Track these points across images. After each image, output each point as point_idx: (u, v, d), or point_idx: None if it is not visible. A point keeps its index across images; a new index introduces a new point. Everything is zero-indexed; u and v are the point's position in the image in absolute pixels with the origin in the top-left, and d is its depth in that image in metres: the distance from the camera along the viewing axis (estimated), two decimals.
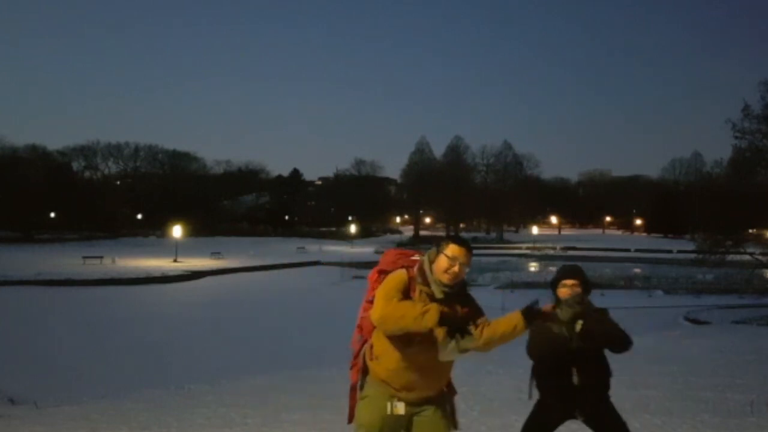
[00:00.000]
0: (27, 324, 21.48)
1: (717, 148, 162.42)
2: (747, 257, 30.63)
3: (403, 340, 2.73)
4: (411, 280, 2.81)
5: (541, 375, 3.27)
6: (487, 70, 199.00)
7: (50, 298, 28.53)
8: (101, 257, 44.76)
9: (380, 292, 2.77)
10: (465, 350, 2.73)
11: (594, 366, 3.17)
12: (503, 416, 5.96)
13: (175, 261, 46.24)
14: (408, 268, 2.87)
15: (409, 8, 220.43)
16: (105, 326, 21.45)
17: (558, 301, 3.24)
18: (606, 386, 3.21)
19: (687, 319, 24.61)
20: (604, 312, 3.21)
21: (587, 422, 3.21)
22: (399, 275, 2.82)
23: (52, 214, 69.26)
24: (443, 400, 2.89)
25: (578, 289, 3.21)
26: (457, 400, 3.02)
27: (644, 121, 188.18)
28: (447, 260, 2.75)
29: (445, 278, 2.75)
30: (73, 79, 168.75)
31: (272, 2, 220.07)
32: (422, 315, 2.63)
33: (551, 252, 70.13)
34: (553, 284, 3.32)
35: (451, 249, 2.78)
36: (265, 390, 8.26)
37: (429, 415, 2.83)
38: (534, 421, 3.31)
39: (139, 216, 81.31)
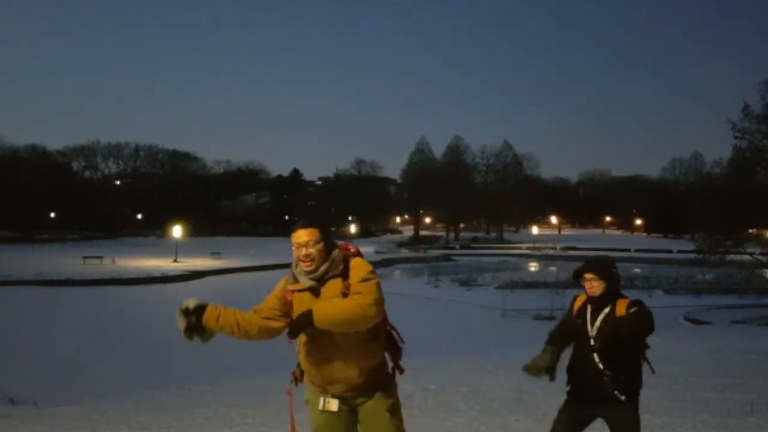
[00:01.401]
0: (27, 324, 21.47)
1: (717, 148, 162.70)
2: (747, 257, 30.63)
3: (299, 337, 2.79)
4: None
5: (568, 367, 3.28)
6: (487, 70, 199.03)
7: (50, 298, 28.52)
8: (101, 257, 44.75)
9: None
10: None
11: (620, 358, 3.12)
12: (503, 416, 5.96)
13: (175, 261, 46.24)
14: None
15: (409, 8, 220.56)
16: (105, 326, 21.45)
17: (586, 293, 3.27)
18: (633, 382, 3.15)
19: (687, 319, 24.62)
20: (627, 314, 3.10)
21: (605, 417, 3.19)
22: (281, 282, 2.89)
23: (52, 214, 69.23)
24: (382, 388, 2.84)
25: (597, 284, 3.18)
26: (402, 387, 2.98)
27: (644, 121, 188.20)
28: (294, 249, 2.78)
29: (303, 266, 2.76)
30: (73, 78, 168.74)
31: (272, 2, 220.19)
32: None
33: (551, 252, 70.12)
34: (576, 278, 3.30)
35: (292, 238, 2.79)
36: (265, 390, 8.27)
37: (370, 406, 2.82)
38: (559, 417, 3.31)
39: (139, 216, 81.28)
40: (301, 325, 2.64)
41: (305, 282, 2.77)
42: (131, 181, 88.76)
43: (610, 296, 3.21)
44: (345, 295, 2.68)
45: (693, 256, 35.95)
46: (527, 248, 72.67)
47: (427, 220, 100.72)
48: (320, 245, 2.77)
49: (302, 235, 2.77)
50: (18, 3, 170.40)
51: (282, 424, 5.93)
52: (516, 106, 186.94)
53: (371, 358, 2.80)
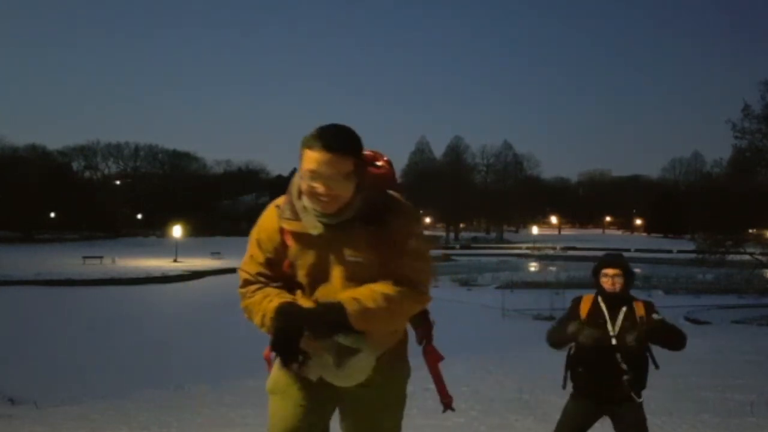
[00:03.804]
0: (27, 324, 21.47)
1: (717, 148, 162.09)
2: (747, 257, 30.65)
3: None
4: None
5: (578, 364, 3.16)
6: (487, 71, 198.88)
7: (50, 298, 28.51)
8: (101, 257, 44.76)
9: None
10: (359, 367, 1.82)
11: (634, 358, 3.06)
12: (503, 416, 5.95)
13: (175, 261, 46.26)
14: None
15: (408, 8, 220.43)
16: (105, 326, 21.43)
17: (600, 290, 3.16)
18: (643, 381, 3.12)
19: (687, 319, 24.60)
20: (648, 318, 3.05)
21: (612, 416, 3.16)
22: (266, 214, 1.97)
23: (52, 214, 69.26)
24: (390, 373, 1.98)
25: (621, 280, 3.11)
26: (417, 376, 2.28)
27: (644, 121, 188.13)
28: (304, 177, 1.79)
29: (317, 205, 1.79)
30: (73, 79, 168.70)
31: (272, 3, 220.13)
32: (261, 320, 1.86)
33: (551, 252, 70.11)
34: (595, 272, 3.20)
35: (306, 158, 1.77)
36: (266, 390, 8.26)
37: (364, 395, 1.95)
38: (566, 416, 3.26)
39: (139, 216, 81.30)
40: (321, 327, 1.75)
41: (312, 224, 1.82)
42: (131, 181, 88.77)
43: (628, 294, 3.17)
44: (377, 251, 1.81)
45: (693, 256, 35.96)
46: (527, 248, 72.64)
47: (427, 220, 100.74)
48: (351, 182, 1.78)
49: (325, 163, 1.74)
50: (18, 3, 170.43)
51: None
52: (516, 106, 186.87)
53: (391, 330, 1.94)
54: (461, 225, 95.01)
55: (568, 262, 49.15)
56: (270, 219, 1.94)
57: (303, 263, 1.88)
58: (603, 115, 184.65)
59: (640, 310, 3.11)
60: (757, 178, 31.28)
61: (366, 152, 1.93)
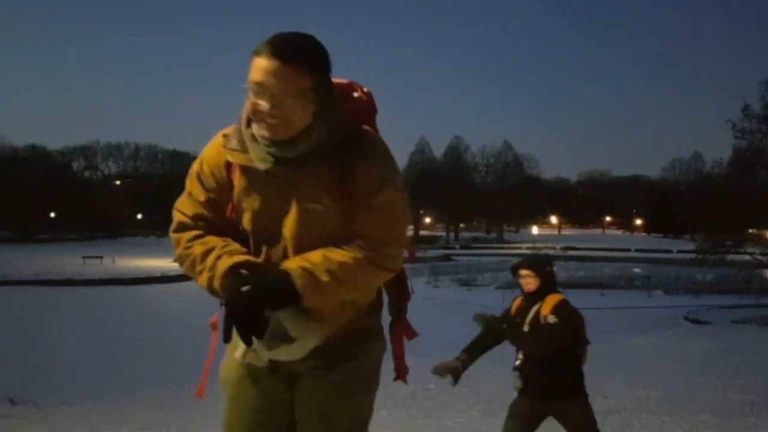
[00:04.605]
0: (27, 324, 21.47)
1: (717, 148, 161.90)
2: (747, 257, 30.64)
3: None
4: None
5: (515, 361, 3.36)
6: (487, 71, 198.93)
7: (50, 298, 28.51)
8: (101, 257, 44.76)
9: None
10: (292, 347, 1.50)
11: (543, 365, 3.17)
12: (503, 416, 5.94)
13: (175, 261, 46.14)
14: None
15: (408, 8, 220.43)
16: (105, 326, 21.43)
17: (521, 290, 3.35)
18: (570, 377, 3.21)
19: (687, 319, 24.58)
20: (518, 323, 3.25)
21: (560, 418, 3.25)
22: (210, 144, 1.61)
23: (52, 214, 69.32)
24: (356, 349, 1.61)
25: (531, 280, 3.25)
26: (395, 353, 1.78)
27: (644, 121, 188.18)
28: (249, 92, 1.43)
29: (260, 129, 1.43)
30: (73, 79, 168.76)
31: (271, 2, 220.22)
32: (208, 282, 1.51)
33: (551, 252, 70.10)
34: (512, 272, 3.39)
35: (252, 67, 1.43)
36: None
37: (319, 381, 1.60)
38: (514, 410, 3.37)
39: (139, 216, 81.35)
40: (257, 307, 1.38)
41: (259, 157, 1.47)
42: (131, 181, 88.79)
43: (541, 293, 3.25)
44: (341, 200, 1.47)
45: (693, 256, 35.94)
46: (527, 248, 72.62)
47: (427, 220, 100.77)
48: (307, 104, 1.42)
49: (272, 73, 1.39)
50: (18, 3, 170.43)
51: None
52: (516, 106, 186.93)
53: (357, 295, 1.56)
54: (461, 225, 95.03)
55: (568, 262, 49.10)
56: (215, 150, 1.57)
57: (249, 206, 1.51)
58: (603, 115, 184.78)
59: (546, 308, 3.18)
60: (757, 178, 31.28)
61: (339, 80, 1.57)
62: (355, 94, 1.61)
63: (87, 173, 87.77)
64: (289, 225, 1.50)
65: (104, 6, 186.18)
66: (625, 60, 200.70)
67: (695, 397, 6.77)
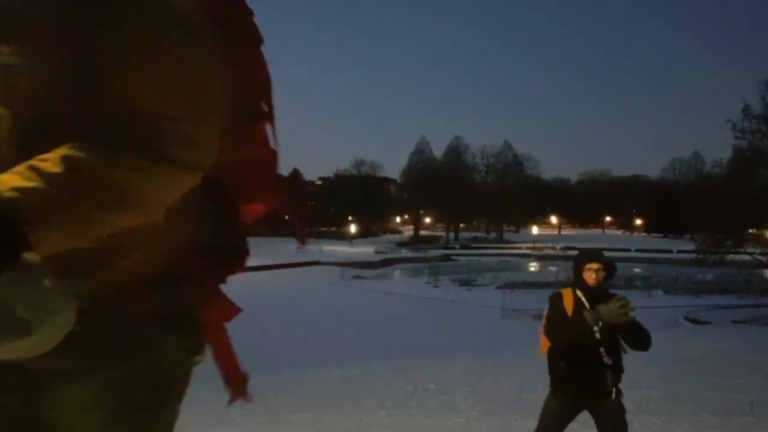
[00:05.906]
0: None
1: (717, 148, 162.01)
2: (747, 257, 30.65)
3: None
4: None
5: (559, 360, 3.16)
6: (487, 71, 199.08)
7: None
8: None
9: None
10: None
11: (614, 348, 3.13)
12: (503, 416, 5.95)
13: None
14: None
15: (408, 8, 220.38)
16: None
17: (580, 284, 3.16)
18: (621, 374, 3.18)
19: (687, 319, 24.59)
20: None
21: (593, 410, 3.18)
22: None
23: None
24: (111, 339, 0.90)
25: (602, 273, 3.14)
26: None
27: (644, 121, 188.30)
28: None
29: None
30: None
31: (271, 2, 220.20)
32: None
33: (551, 252, 70.11)
34: (576, 268, 3.21)
35: None
36: (265, 390, 8.26)
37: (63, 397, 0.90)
38: (548, 412, 3.24)
39: None
40: None
41: None
42: None
43: (607, 288, 3.19)
44: (67, 47, 0.80)
45: (693, 256, 35.96)
46: (527, 248, 72.66)
47: (427, 220, 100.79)
48: None
49: None
50: None
51: (282, 424, 5.93)
52: (516, 106, 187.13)
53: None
54: (461, 225, 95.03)
55: (568, 262, 48.95)
56: None
57: None
58: (603, 115, 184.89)
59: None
60: (757, 178, 31.29)
61: None
62: None
63: None
64: None
65: None
66: (625, 60, 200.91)
67: (695, 397, 6.77)
